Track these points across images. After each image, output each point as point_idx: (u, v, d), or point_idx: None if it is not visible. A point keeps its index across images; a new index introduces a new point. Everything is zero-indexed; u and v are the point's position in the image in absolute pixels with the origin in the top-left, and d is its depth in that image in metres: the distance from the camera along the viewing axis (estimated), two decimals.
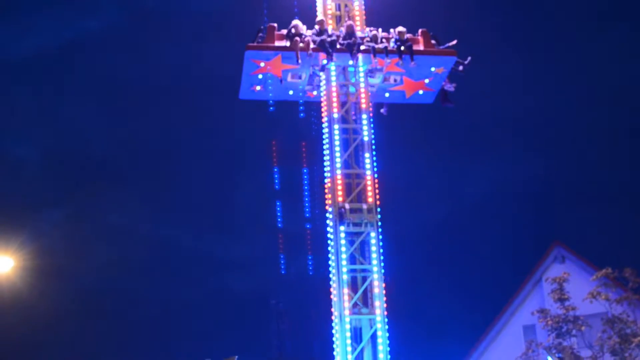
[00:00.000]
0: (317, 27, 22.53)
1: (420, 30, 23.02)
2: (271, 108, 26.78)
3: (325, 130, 22.24)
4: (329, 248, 21.27)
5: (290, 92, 23.35)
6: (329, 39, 22.20)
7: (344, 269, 20.80)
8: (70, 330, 42.67)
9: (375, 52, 22.37)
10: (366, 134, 22.19)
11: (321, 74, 22.57)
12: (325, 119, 22.34)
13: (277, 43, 22.30)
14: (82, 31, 52.76)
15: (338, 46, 22.25)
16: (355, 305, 20.76)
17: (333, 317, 20.61)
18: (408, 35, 22.70)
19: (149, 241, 49.00)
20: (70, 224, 48.21)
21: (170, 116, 49.79)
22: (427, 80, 23.29)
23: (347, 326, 20.33)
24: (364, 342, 20.54)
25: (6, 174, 48.05)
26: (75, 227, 47.88)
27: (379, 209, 21.52)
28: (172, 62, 49.31)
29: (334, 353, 20.39)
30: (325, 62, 22.30)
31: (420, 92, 23.67)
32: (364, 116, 22.34)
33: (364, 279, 21.12)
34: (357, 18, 23.29)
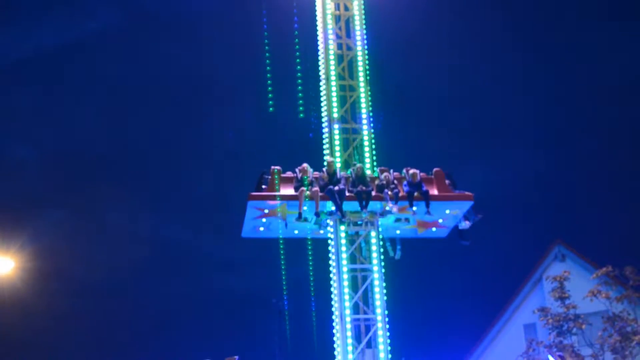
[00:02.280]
0: (325, 170, 21.13)
1: (434, 171, 21.64)
2: (271, 109, 26.40)
3: (325, 130, 22.25)
4: (329, 247, 21.27)
5: (296, 232, 21.82)
6: (337, 188, 20.66)
7: (345, 269, 20.81)
8: (70, 330, 42.63)
9: (386, 198, 20.86)
10: (366, 134, 22.24)
11: (329, 220, 21.28)
12: (325, 121, 22.35)
13: (282, 187, 20.91)
14: (81, 32, 52.66)
15: (347, 194, 20.82)
16: (355, 304, 20.78)
17: (334, 317, 20.62)
18: (422, 175, 21.29)
19: (149, 241, 48.92)
20: (70, 224, 48.11)
21: (169, 116, 49.73)
22: (440, 220, 21.95)
23: (348, 325, 20.35)
24: (365, 341, 20.55)
25: (6, 174, 47.98)
26: (75, 228, 47.78)
27: None
28: (172, 62, 49.22)
29: (335, 353, 20.40)
30: (333, 210, 20.97)
31: (433, 229, 22.37)
32: (364, 117, 22.36)
33: (365, 278, 21.15)
34: (357, 22, 23.10)
